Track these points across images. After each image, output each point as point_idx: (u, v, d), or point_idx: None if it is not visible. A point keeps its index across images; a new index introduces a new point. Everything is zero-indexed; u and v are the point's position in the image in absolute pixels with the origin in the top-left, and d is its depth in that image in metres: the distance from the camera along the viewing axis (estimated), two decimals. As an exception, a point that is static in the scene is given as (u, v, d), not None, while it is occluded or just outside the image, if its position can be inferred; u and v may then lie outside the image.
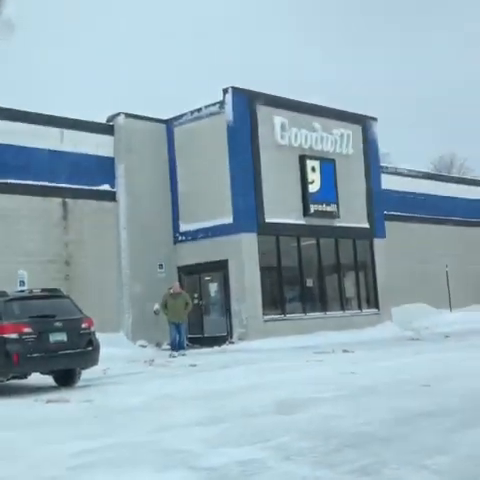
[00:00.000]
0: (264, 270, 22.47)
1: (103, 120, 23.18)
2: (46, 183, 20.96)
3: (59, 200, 21.32)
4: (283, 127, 23.15)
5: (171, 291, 20.19)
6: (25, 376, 12.61)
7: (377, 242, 25.99)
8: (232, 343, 21.55)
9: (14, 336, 11.58)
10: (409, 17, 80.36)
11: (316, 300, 24.26)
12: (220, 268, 22.40)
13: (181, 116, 23.81)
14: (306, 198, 23.56)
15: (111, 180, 22.72)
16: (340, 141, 24.98)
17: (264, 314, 22.10)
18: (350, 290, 25.44)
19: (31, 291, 13.30)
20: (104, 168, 22.48)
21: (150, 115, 23.83)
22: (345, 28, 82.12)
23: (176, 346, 19.71)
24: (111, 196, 22.61)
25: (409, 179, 30.99)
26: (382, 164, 28.83)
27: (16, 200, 20.28)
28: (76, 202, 21.65)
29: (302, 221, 23.49)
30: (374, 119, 26.76)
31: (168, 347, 20.67)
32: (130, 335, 21.89)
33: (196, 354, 19.19)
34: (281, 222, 22.70)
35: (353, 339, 20.49)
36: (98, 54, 68.72)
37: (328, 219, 24.20)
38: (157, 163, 23.46)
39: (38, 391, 11.95)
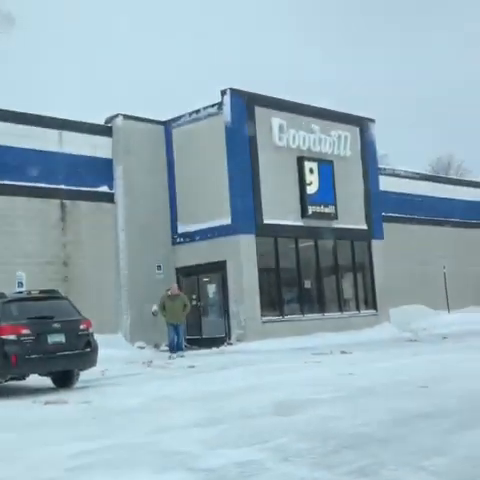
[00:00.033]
0: (262, 271, 22.48)
1: (101, 121, 23.19)
2: (44, 184, 20.96)
3: (57, 201, 21.32)
4: (281, 129, 23.18)
5: (169, 293, 20.19)
6: (23, 377, 12.60)
7: (375, 243, 26.02)
8: (230, 344, 21.55)
9: (12, 337, 11.58)
10: (409, 17, 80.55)
11: (314, 301, 24.27)
12: (218, 269, 22.41)
13: (179, 117, 23.83)
14: (304, 199, 23.58)
15: (109, 181, 22.73)
16: (338, 143, 25.01)
17: (262, 315, 22.11)
18: (348, 291, 25.46)
19: (29, 292, 13.30)
20: (102, 169, 22.49)
21: (149, 116, 23.84)
22: (345, 28, 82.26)
23: (174, 347, 19.72)
24: (109, 197, 22.62)
25: (407, 180, 31.02)
26: (380, 166, 28.88)
27: (14, 201, 20.29)
28: (74, 203, 21.66)
29: (300, 222, 23.51)
30: (372, 121, 26.79)
31: (166, 348, 20.68)
32: (128, 336, 21.89)
33: (194, 355, 19.19)
34: (279, 223, 22.72)
35: (351, 340, 20.50)
36: (97, 55, 68.75)
37: (326, 220, 24.22)
38: (155, 164, 23.47)
39: (36, 392, 11.96)
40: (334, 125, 24.98)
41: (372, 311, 25.53)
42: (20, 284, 19.30)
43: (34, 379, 12.76)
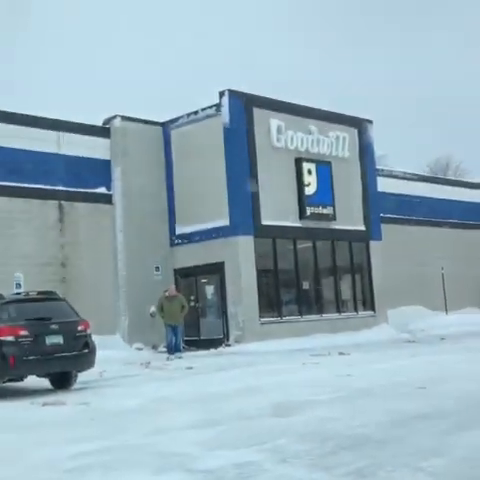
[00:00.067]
0: (260, 273, 22.48)
1: (99, 123, 23.18)
2: (42, 186, 20.95)
3: (55, 203, 21.30)
4: (279, 130, 23.19)
5: (167, 294, 20.18)
6: (21, 379, 12.60)
7: (373, 244, 26.03)
8: (228, 345, 21.55)
9: (10, 339, 11.58)
10: (409, 17, 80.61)
11: (312, 302, 24.27)
12: (216, 271, 22.41)
13: (177, 119, 23.83)
14: (302, 201, 23.59)
15: (107, 183, 22.73)
16: (336, 144, 25.02)
17: (260, 316, 22.11)
18: (346, 292, 25.47)
19: (27, 294, 13.30)
20: (100, 171, 22.48)
21: (147, 117, 23.82)
22: (345, 28, 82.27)
23: (172, 349, 19.72)
24: (107, 199, 22.62)
25: (405, 181, 31.04)
26: (378, 167, 28.89)
27: (12, 203, 20.28)
28: (72, 205, 21.65)
29: (298, 224, 23.51)
30: (370, 122, 26.81)
31: (164, 350, 20.66)
32: (126, 337, 21.88)
33: (192, 357, 19.20)
34: (277, 225, 22.73)
35: (349, 341, 20.52)
36: (95, 56, 68.72)
37: (324, 222, 24.23)
38: (153, 166, 23.47)
39: (34, 394, 11.95)
40: (332, 126, 25.01)
41: (370, 312, 25.54)
42: (18, 285, 19.30)
43: (32, 380, 12.75)
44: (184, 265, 23.17)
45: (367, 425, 7.19)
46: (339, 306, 24.88)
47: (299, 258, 23.80)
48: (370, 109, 28.92)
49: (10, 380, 12.28)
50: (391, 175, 30.64)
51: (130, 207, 22.72)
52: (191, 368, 15.40)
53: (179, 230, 23.37)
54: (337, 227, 24.56)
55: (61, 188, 21.42)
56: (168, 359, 18.74)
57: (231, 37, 77.49)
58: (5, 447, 7.36)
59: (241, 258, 21.90)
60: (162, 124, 24.05)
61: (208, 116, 22.95)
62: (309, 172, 23.85)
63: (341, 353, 16.90)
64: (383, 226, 26.73)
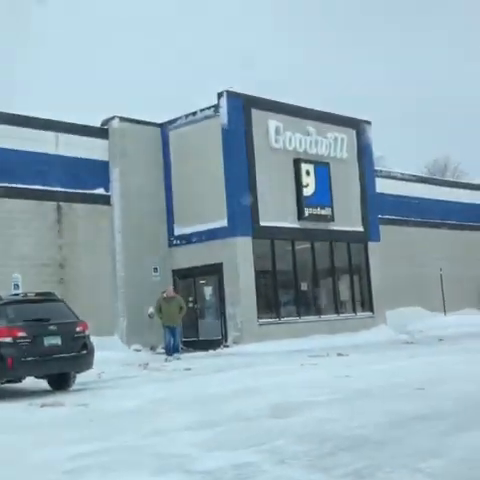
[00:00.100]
0: (259, 274, 22.49)
1: (98, 124, 23.17)
2: (40, 186, 20.94)
3: (53, 203, 21.29)
4: (277, 131, 23.20)
5: (165, 295, 20.18)
6: (19, 380, 12.59)
7: (371, 245, 26.04)
8: (227, 347, 21.55)
9: (8, 340, 11.58)
10: (409, 17, 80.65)
11: (311, 304, 24.27)
12: (215, 272, 22.41)
13: (176, 120, 23.83)
14: (301, 202, 23.60)
15: (106, 184, 22.72)
16: (334, 145, 25.04)
17: (259, 318, 22.11)
18: (345, 293, 25.47)
19: (25, 295, 13.31)
20: (99, 172, 22.48)
21: (145, 118, 23.81)
22: (344, 28, 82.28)
23: (171, 350, 19.71)
24: (106, 200, 22.61)
25: (403, 183, 31.08)
26: (376, 168, 28.92)
27: (10, 204, 20.26)
28: (70, 206, 21.64)
29: (297, 225, 23.52)
30: (368, 123, 26.84)
31: (163, 351, 20.65)
32: (125, 339, 21.87)
33: (191, 358, 19.20)
34: (276, 226, 22.74)
35: (347, 342, 20.53)
36: (93, 57, 68.68)
37: (323, 223, 24.24)
38: (152, 167, 23.47)
39: (32, 395, 11.94)
40: (330, 127, 25.02)
41: (368, 313, 25.55)
42: (16, 286, 19.29)
43: (30, 382, 12.74)
44: (182, 266, 23.17)
45: (365, 426, 7.19)
46: (337, 307, 24.88)
47: (297, 259, 23.80)
48: (369, 109, 28.94)
49: (8, 381, 12.27)
50: (389, 176, 30.66)
51: (128, 208, 22.72)
52: (189, 369, 15.40)
53: (177, 231, 23.37)
54: (335, 228, 24.57)
55: (59, 189, 21.41)
56: (166, 360, 18.73)
57: (231, 37, 77.64)
58: (4, 448, 7.35)
59: (239, 259, 21.90)
60: (160, 125, 24.05)
61: (206, 117, 22.96)
62: (307, 173, 23.87)
63: (339, 354, 16.91)
64: (381, 227, 26.75)
